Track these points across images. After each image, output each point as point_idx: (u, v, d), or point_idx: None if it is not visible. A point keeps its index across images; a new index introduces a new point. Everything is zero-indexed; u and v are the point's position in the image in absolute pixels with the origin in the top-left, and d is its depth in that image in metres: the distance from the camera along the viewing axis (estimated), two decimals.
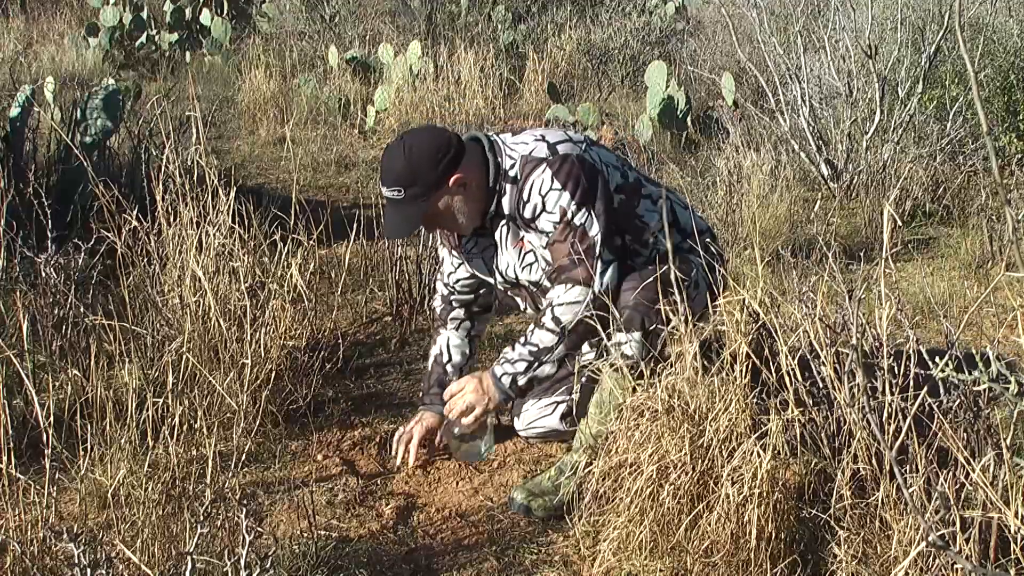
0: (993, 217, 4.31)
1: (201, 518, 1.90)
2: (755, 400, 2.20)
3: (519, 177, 2.53)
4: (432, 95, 6.81)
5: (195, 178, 3.14)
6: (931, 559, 1.93)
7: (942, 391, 2.06)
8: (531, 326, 2.54)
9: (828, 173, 5.37)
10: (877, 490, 2.07)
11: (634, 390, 2.31)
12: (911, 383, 2.04)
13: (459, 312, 2.83)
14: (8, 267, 3.41)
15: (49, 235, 3.32)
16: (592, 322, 2.40)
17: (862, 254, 3.92)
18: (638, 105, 7.11)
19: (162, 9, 10.10)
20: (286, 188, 5.34)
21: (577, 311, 2.46)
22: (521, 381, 2.54)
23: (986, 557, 1.94)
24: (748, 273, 3.85)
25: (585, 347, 2.62)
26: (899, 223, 4.70)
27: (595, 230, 2.48)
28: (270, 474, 2.76)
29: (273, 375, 2.90)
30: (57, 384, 2.94)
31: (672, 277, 2.28)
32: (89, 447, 2.37)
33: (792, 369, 2.14)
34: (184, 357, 2.80)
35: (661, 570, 2.22)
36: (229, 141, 6.83)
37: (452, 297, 2.83)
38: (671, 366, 2.28)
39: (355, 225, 3.83)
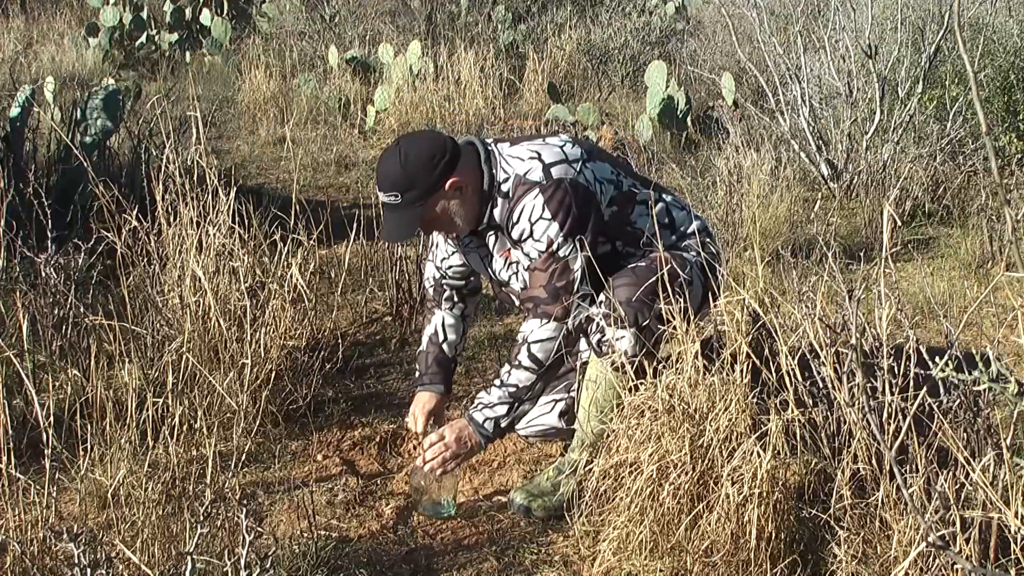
0: (993, 217, 4.31)
1: (201, 518, 1.90)
2: (755, 400, 2.20)
3: (511, 195, 2.52)
4: (432, 95, 6.80)
5: (195, 178, 3.14)
6: (931, 559, 1.93)
7: (942, 391, 2.06)
8: (506, 366, 2.51)
9: (828, 173, 5.37)
10: (877, 490, 2.07)
11: (631, 389, 2.31)
12: (911, 383, 2.04)
13: (451, 293, 2.84)
14: (8, 267, 3.41)
15: (49, 235, 3.32)
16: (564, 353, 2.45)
17: (862, 254, 3.92)
18: (638, 105, 7.11)
19: (162, 9, 10.10)
20: (286, 188, 5.35)
21: (552, 348, 2.47)
22: (504, 423, 2.51)
23: (986, 557, 1.94)
24: (748, 273, 3.85)
25: (583, 345, 2.62)
26: (899, 223, 4.70)
27: (577, 264, 2.47)
28: (270, 474, 2.76)
29: (273, 375, 2.90)
30: (57, 384, 2.94)
31: (665, 273, 2.29)
32: (89, 447, 2.37)
33: (792, 369, 2.14)
34: (184, 357, 2.80)
35: (661, 570, 2.23)
36: (229, 141, 6.83)
37: (444, 281, 2.83)
38: (672, 366, 2.28)
39: (355, 225, 3.82)
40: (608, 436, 2.32)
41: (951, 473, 1.93)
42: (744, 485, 2.10)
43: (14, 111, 4.30)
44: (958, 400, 2.07)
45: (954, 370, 1.68)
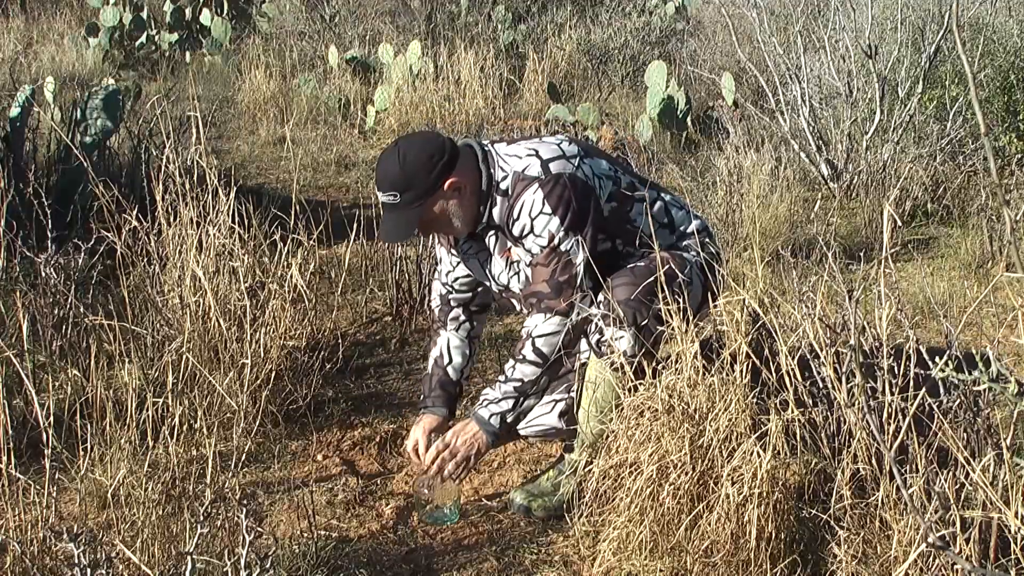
0: (993, 217, 4.31)
1: (201, 518, 1.90)
2: (755, 400, 2.20)
3: (510, 192, 2.52)
4: (432, 95, 6.80)
5: (195, 178, 3.14)
6: (931, 559, 1.93)
7: (942, 391, 2.06)
8: (510, 361, 2.51)
9: (828, 173, 5.37)
10: (877, 490, 2.07)
11: (630, 389, 2.31)
12: (911, 383, 2.04)
13: (458, 312, 2.82)
14: (8, 267, 3.41)
15: (49, 235, 3.32)
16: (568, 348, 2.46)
17: (862, 254, 3.92)
18: (638, 105, 7.11)
19: (162, 9, 10.10)
20: (286, 188, 5.35)
21: (556, 342, 2.47)
22: (510, 418, 2.51)
23: (986, 557, 1.94)
24: (748, 273, 3.85)
25: (583, 345, 2.62)
26: (899, 223, 4.70)
27: (580, 258, 2.47)
28: (270, 474, 2.76)
29: (273, 375, 2.90)
30: (57, 384, 2.94)
31: (662, 273, 2.29)
32: (89, 447, 2.37)
33: (792, 369, 2.14)
34: (184, 357, 2.80)
35: (661, 570, 2.23)
36: (229, 141, 6.83)
37: (450, 296, 2.82)
38: (671, 366, 2.28)
39: (355, 225, 3.82)
40: (608, 436, 2.32)
41: (951, 473, 1.93)
42: (744, 485, 2.10)
43: (14, 111, 4.30)
44: (958, 400, 2.07)
45: (954, 370, 1.68)
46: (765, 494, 2.11)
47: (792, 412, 2.14)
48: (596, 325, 2.45)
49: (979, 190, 4.89)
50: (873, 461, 2.09)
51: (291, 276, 3.08)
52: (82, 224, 3.66)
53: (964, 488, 1.94)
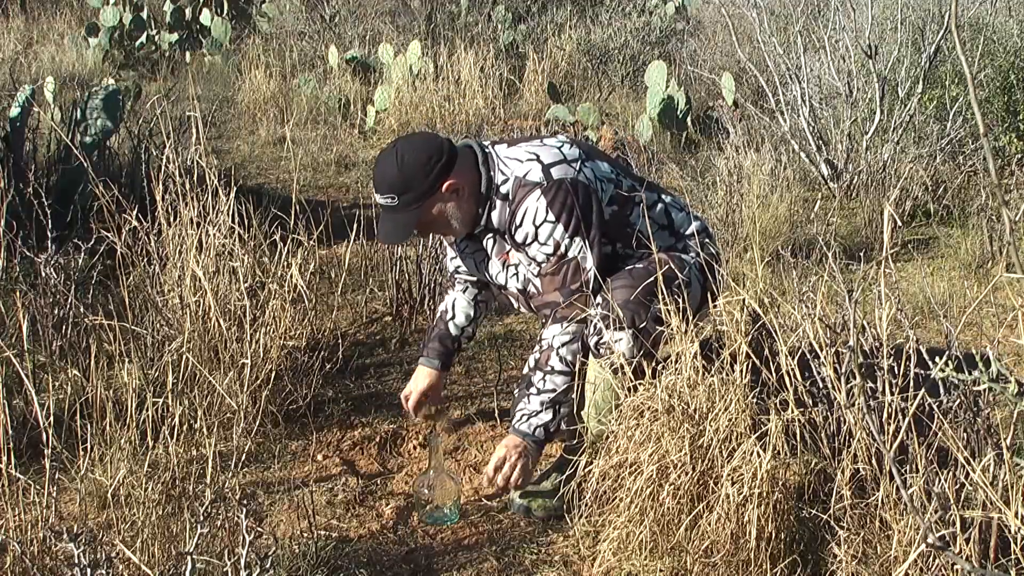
0: (993, 217, 4.31)
1: (201, 518, 1.90)
2: (755, 400, 2.20)
3: (511, 197, 2.52)
4: (432, 95, 6.80)
5: (195, 178, 3.14)
6: (931, 559, 1.93)
7: (942, 391, 2.06)
8: (537, 373, 2.52)
9: (828, 173, 5.37)
10: (877, 490, 2.07)
11: (630, 390, 2.31)
12: (911, 383, 2.04)
13: (467, 281, 2.90)
14: (8, 267, 3.41)
15: (49, 235, 3.32)
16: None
17: (862, 254, 3.92)
18: (638, 105, 7.11)
19: (162, 9, 10.10)
20: (286, 188, 5.35)
21: (578, 348, 2.51)
22: (552, 427, 2.54)
23: (986, 557, 1.94)
24: (748, 273, 3.85)
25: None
26: (899, 223, 4.70)
27: (589, 262, 2.49)
28: (270, 474, 2.76)
29: (273, 375, 2.90)
30: (57, 384, 2.94)
31: (661, 275, 2.29)
32: (89, 447, 2.37)
33: (792, 369, 2.14)
34: (184, 357, 2.80)
35: (661, 570, 2.23)
36: (229, 141, 6.83)
37: (457, 276, 2.91)
38: (671, 366, 2.28)
39: (355, 225, 3.82)
40: (608, 437, 2.32)
41: (951, 473, 1.93)
42: (744, 485, 2.10)
43: (14, 111, 4.30)
44: (958, 400, 2.07)
45: (954, 370, 1.68)
46: (765, 494, 2.11)
47: (792, 412, 2.14)
48: (595, 327, 2.46)
49: (979, 190, 4.89)
50: (873, 461, 2.09)
51: (291, 276, 3.08)
52: (82, 224, 3.66)
53: (964, 488, 1.94)
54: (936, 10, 5.63)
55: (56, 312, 3.14)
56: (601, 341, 2.44)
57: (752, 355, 2.20)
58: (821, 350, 2.12)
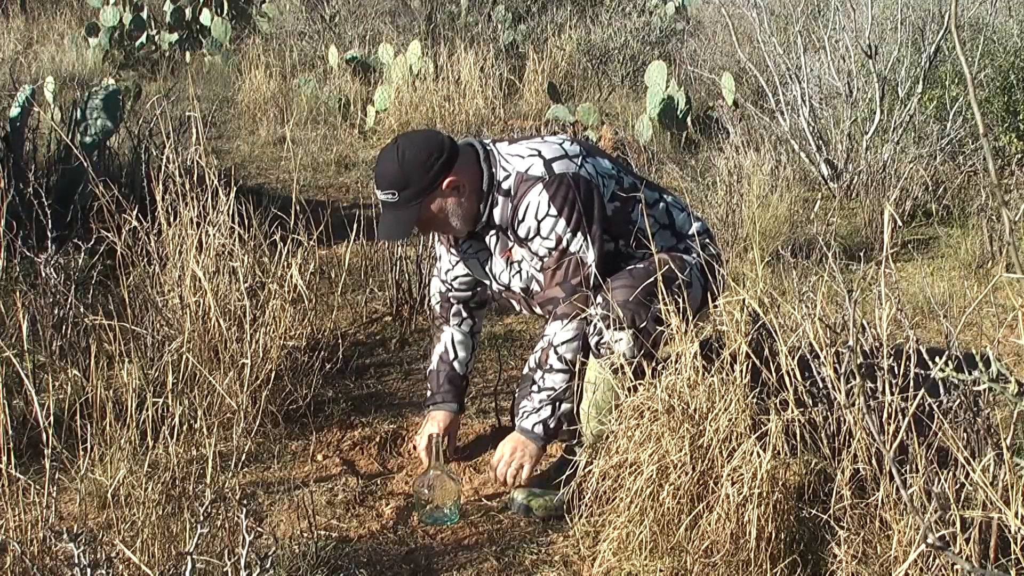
0: (993, 217, 4.31)
1: (201, 518, 1.90)
2: (755, 400, 2.20)
3: (513, 193, 2.52)
4: (432, 95, 6.80)
5: (195, 178, 3.14)
6: (931, 559, 1.93)
7: (942, 391, 2.06)
8: (538, 372, 2.53)
9: (828, 173, 5.37)
10: (877, 490, 2.07)
11: (630, 390, 2.31)
12: (911, 383, 2.04)
13: (458, 308, 2.84)
14: (8, 267, 3.41)
15: (49, 235, 3.32)
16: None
17: (862, 254, 3.92)
18: (638, 105, 7.11)
19: (162, 9, 10.10)
20: (286, 188, 5.35)
21: (578, 346, 2.51)
22: (552, 424, 2.55)
23: (986, 557, 1.94)
24: (748, 273, 3.85)
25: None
26: (899, 223, 4.70)
27: (591, 258, 2.49)
28: (270, 474, 2.76)
29: (273, 375, 2.90)
30: (57, 384, 2.94)
31: (661, 275, 2.29)
32: (89, 447, 2.37)
33: (792, 369, 2.14)
34: (184, 357, 2.81)
35: (661, 570, 2.23)
36: (229, 141, 6.83)
37: (450, 294, 2.83)
38: (671, 366, 2.28)
39: (355, 225, 3.83)
40: (608, 437, 2.32)
41: (951, 473, 1.93)
42: (744, 485, 2.10)
43: (14, 111, 4.30)
44: (958, 400, 2.07)
45: (954, 370, 1.68)
46: (765, 494, 2.11)
47: (792, 412, 2.14)
48: (596, 327, 2.46)
49: (979, 190, 4.89)
50: (873, 461, 2.09)
51: (291, 276, 3.08)
52: (82, 224, 3.66)
53: (964, 488, 1.94)
54: (936, 10, 5.63)
55: (56, 312, 3.14)
56: (601, 341, 2.44)
57: (752, 355, 2.20)
58: (821, 350, 2.12)
